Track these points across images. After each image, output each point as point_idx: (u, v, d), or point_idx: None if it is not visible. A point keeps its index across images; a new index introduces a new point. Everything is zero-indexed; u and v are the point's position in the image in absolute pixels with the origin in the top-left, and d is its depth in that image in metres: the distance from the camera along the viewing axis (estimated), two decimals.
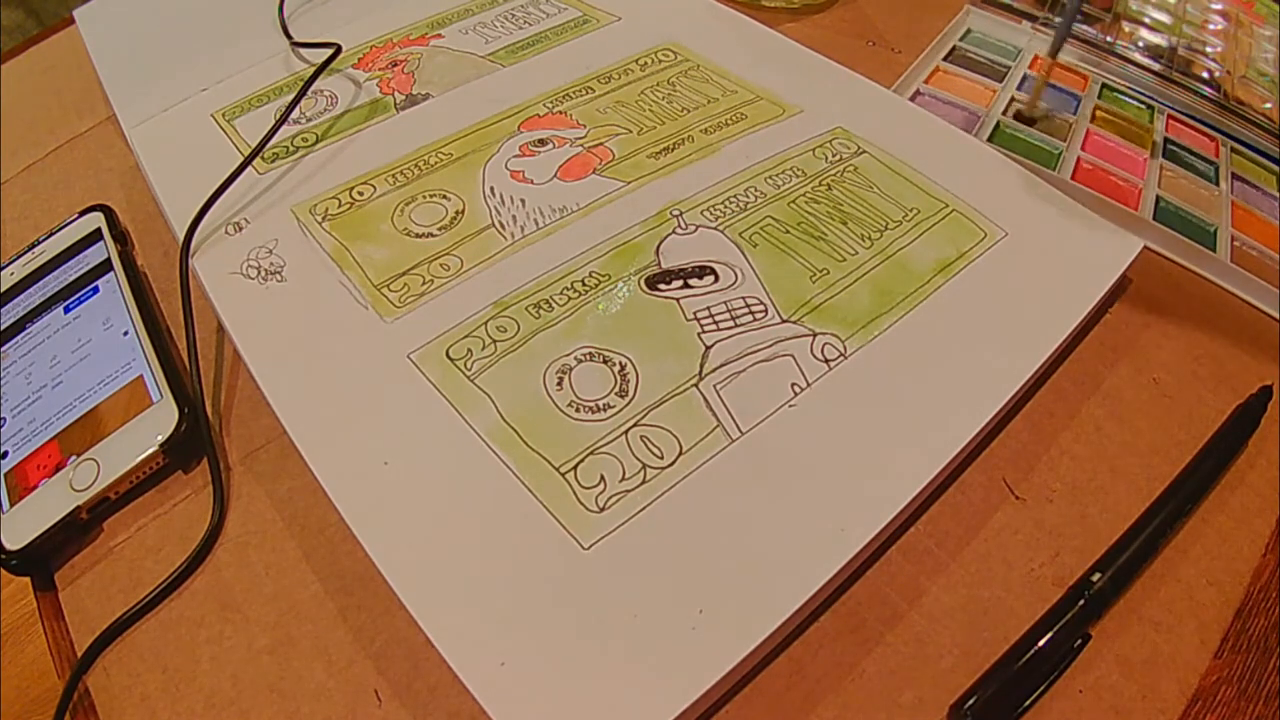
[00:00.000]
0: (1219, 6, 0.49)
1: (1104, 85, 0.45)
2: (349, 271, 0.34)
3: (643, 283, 0.32)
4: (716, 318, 0.31)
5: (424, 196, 0.37)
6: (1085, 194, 0.38)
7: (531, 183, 0.37)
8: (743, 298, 0.32)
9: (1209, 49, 0.47)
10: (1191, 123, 0.44)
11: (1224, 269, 0.36)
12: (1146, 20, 0.48)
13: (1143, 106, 0.44)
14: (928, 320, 0.31)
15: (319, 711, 0.25)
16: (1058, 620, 0.25)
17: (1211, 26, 0.49)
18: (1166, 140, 0.42)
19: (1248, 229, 0.38)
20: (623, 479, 0.27)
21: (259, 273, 0.34)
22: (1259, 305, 0.35)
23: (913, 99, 0.44)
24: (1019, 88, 0.44)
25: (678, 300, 0.32)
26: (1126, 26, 0.48)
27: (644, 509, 0.26)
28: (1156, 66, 0.45)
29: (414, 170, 0.38)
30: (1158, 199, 0.39)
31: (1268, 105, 0.44)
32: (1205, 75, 0.45)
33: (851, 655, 0.25)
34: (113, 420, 0.31)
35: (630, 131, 0.39)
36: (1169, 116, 0.44)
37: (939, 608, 0.26)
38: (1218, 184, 0.40)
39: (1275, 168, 0.42)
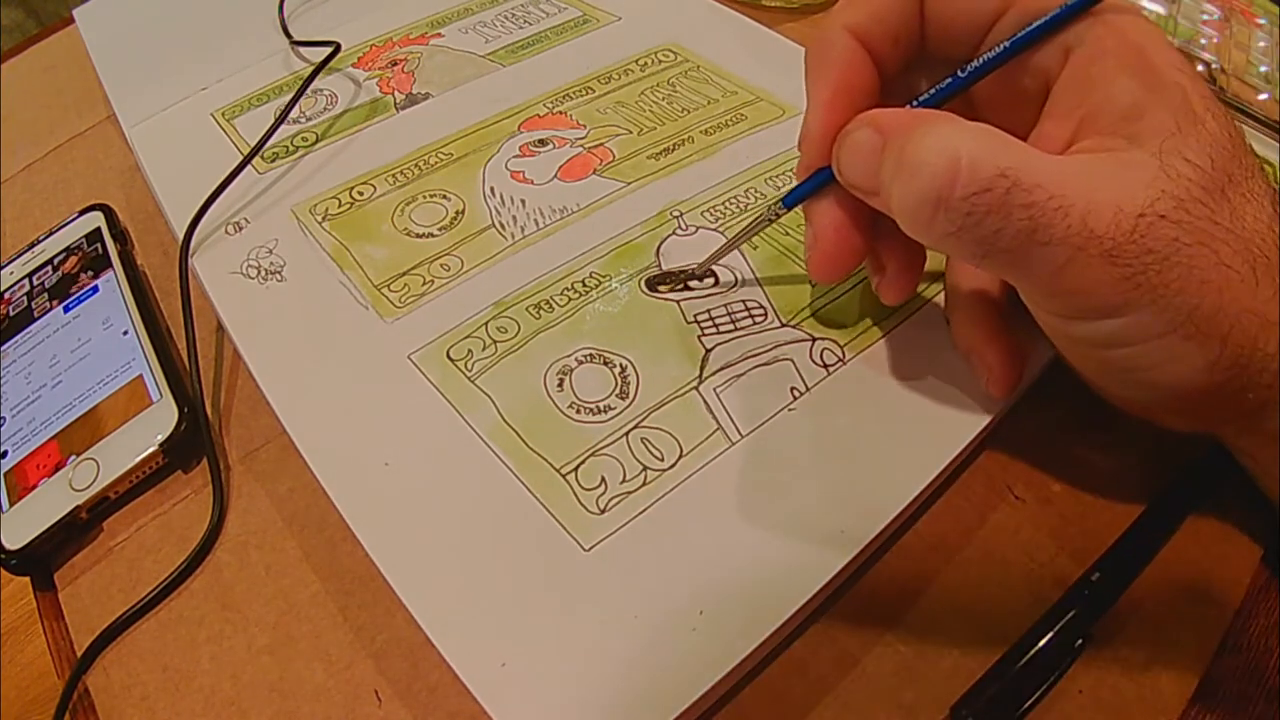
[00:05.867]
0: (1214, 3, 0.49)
1: None
2: (349, 271, 0.34)
3: (643, 284, 0.32)
4: (716, 321, 0.31)
5: (424, 196, 0.37)
6: None
7: (532, 183, 0.37)
8: (742, 301, 0.32)
9: (1203, 40, 0.47)
10: None
11: None
12: (1141, 13, 0.48)
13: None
14: (927, 325, 0.31)
15: (319, 711, 0.25)
16: (1058, 620, 0.25)
17: (1205, 18, 0.49)
18: None
19: None
20: (623, 481, 0.27)
21: (259, 272, 0.34)
22: None
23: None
24: None
25: (678, 302, 0.32)
26: None
27: (645, 511, 0.26)
28: None
29: (414, 170, 0.38)
30: None
31: (1263, 96, 0.43)
32: (1200, 69, 0.45)
33: (852, 655, 0.25)
34: (112, 420, 0.31)
35: (630, 132, 0.39)
36: None
37: (939, 608, 0.26)
38: None
39: (1273, 160, 0.42)
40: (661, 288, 0.32)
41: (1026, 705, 0.24)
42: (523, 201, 0.36)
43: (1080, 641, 0.25)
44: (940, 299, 0.32)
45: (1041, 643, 0.25)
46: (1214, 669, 0.25)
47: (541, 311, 0.32)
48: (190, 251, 0.35)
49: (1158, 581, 0.27)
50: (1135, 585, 0.26)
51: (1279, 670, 0.25)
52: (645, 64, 0.44)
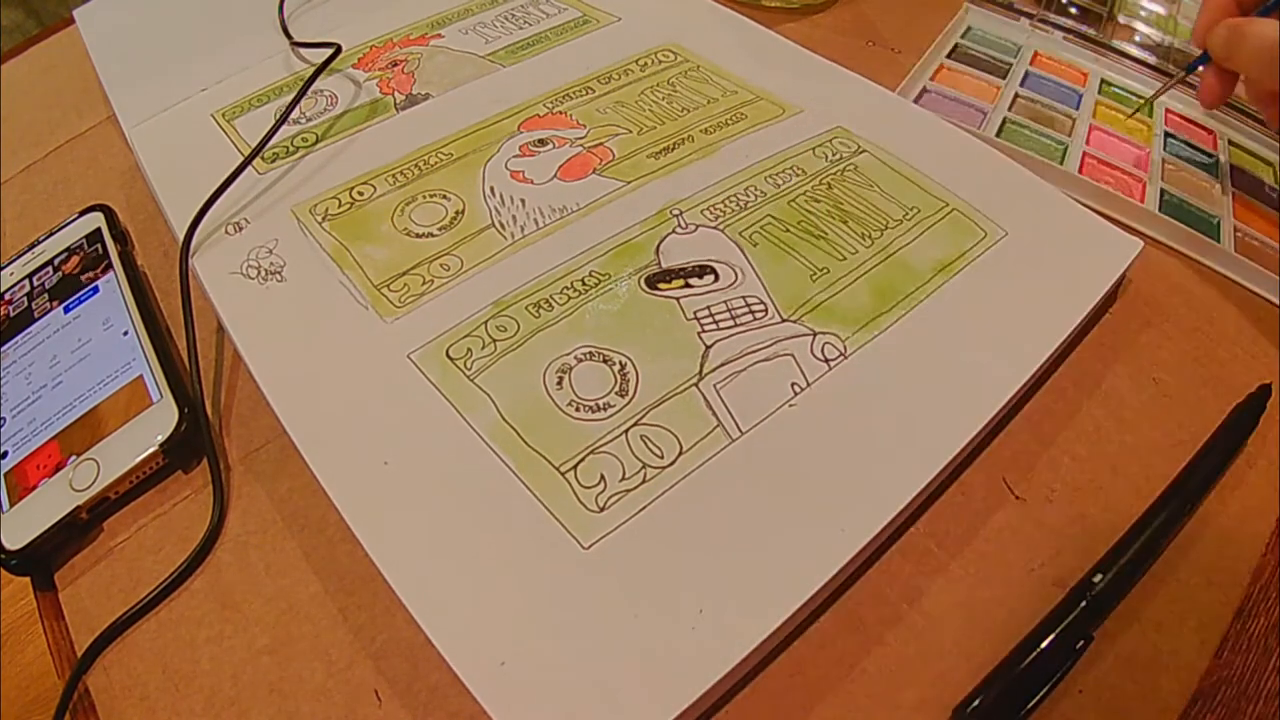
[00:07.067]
0: None
1: (1103, 80, 0.45)
2: (349, 271, 0.34)
3: (643, 282, 0.32)
4: (716, 317, 0.31)
5: (424, 196, 0.37)
6: (1092, 188, 0.38)
7: (531, 183, 0.37)
8: (743, 297, 0.32)
9: None
10: (1189, 117, 0.44)
11: (1229, 259, 0.36)
12: (1142, 14, 0.49)
13: (1142, 101, 0.44)
14: (928, 320, 0.31)
15: (319, 711, 0.25)
16: (1060, 622, 0.25)
17: None
18: (1166, 134, 0.42)
19: (1249, 220, 0.38)
20: (623, 478, 0.27)
21: (259, 273, 0.34)
22: (1262, 294, 0.35)
23: (919, 97, 0.44)
24: (1022, 84, 0.45)
25: (678, 300, 0.32)
26: (1123, 21, 0.48)
27: (644, 509, 0.26)
28: (1153, 61, 0.45)
29: (414, 170, 0.38)
30: (1162, 192, 0.39)
31: None
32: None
33: (852, 655, 0.25)
34: (113, 420, 0.31)
35: (630, 131, 0.39)
36: (1167, 110, 0.44)
37: (939, 608, 0.26)
38: (1218, 177, 0.40)
39: (1273, 159, 0.42)
40: (662, 285, 0.32)
41: (1029, 706, 0.24)
42: (523, 201, 0.36)
43: (1082, 643, 0.25)
44: (938, 298, 0.32)
45: (1043, 644, 0.24)
46: (1214, 669, 0.25)
47: (541, 310, 0.32)
48: (190, 252, 0.35)
49: (1158, 582, 0.27)
50: (1136, 586, 0.26)
51: (1279, 670, 0.25)
52: (645, 64, 0.44)
